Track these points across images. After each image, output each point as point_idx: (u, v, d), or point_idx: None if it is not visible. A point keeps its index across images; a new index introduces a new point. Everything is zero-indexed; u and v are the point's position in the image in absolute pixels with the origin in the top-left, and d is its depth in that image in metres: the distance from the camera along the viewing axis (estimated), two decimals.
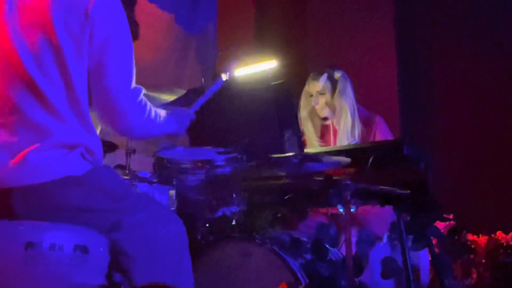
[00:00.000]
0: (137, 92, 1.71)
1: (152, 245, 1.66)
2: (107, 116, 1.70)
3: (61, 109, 1.61)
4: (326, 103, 3.14)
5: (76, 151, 1.61)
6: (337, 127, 3.13)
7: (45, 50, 1.61)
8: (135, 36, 1.93)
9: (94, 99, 1.68)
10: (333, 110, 3.14)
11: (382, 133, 3.08)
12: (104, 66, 1.65)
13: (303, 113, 3.20)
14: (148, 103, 1.75)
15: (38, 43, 1.61)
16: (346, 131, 3.07)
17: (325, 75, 3.15)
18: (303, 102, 3.21)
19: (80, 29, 1.62)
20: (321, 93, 3.14)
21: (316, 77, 3.16)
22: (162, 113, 1.83)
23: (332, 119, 3.17)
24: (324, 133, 3.21)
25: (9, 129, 1.60)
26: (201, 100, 2.13)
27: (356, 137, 3.07)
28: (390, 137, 3.10)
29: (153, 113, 1.76)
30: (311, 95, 3.17)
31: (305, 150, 2.62)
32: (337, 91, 3.12)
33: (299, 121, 3.12)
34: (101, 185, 1.64)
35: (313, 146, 3.11)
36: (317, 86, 3.14)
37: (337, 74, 3.17)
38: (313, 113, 3.19)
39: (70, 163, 1.59)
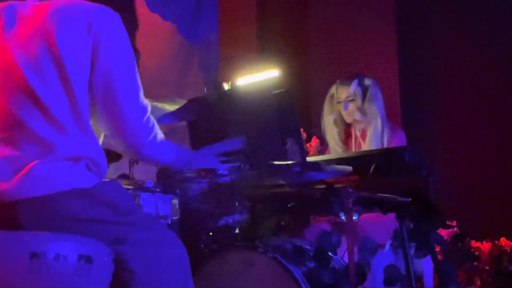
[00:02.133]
0: (145, 109, 1.72)
1: (155, 264, 1.64)
2: (117, 133, 1.71)
3: (64, 121, 1.60)
4: (357, 108, 3.17)
5: (81, 163, 1.60)
6: (367, 132, 3.15)
7: (46, 62, 1.60)
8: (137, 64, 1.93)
9: (102, 115, 1.68)
10: (364, 115, 3.16)
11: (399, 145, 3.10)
12: (112, 82, 1.65)
13: (327, 118, 3.22)
14: (155, 125, 1.76)
15: (39, 55, 1.60)
16: (376, 136, 3.10)
17: (356, 81, 3.18)
18: (327, 108, 3.24)
19: (81, 41, 1.62)
20: (351, 99, 3.17)
21: (346, 83, 3.19)
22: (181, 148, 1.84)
23: (359, 125, 3.20)
24: (346, 139, 3.24)
25: (12, 143, 1.59)
26: (220, 147, 2.11)
27: (385, 143, 3.10)
28: None
29: (159, 137, 1.77)
30: (339, 101, 3.18)
31: (308, 158, 2.63)
32: (368, 97, 3.16)
33: (323, 128, 3.14)
34: (106, 198, 1.64)
35: (336, 151, 3.14)
36: (347, 91, 3.17)
37: (368, 81, 3.21)
38: (338, 118, 3.21)
39: (75, 175, 1.59)
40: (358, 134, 3.21)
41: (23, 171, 1.55)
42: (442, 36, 4.80)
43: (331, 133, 3.20)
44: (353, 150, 3.19)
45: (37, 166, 1.56)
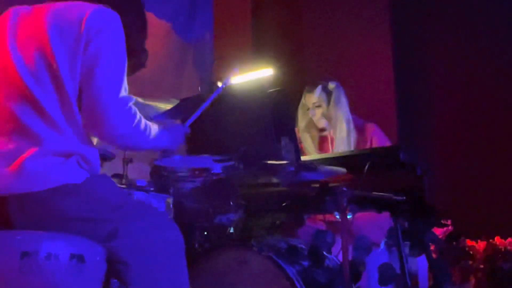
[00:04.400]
0: (125, 100, 1.69)
1: (149, 253, 1.66)
2: (92, 122, 1.68)
3: (57, 118, 1.63)
4: (323, 114, 3.21)
5: (72, 159, 1.62)
6: (333, 137, 3.18)
7: (39, 62, 1.65)
8: (143, 64, 1.92)
9: (82, 105, 1.68)
10: (329, 120, 3.21)
11: (379, 140, 3.13)
12: (94, 73, 1.65)
13: (301, 125, 3.26)
14: (139, 114, 1.72)
15: (33, 55, 1.65)
16: (342, 139, 3.14)
17: (320, 86, 3.24)
18: (300, 115, 3.27)
19: (75, 40, 1.64)
20: (317, 105, 3.22)
21: (311, 90, 3.25)
22: (155, 126, 1.80)
23: (329, 129, 3.22)
24: (322, 144, 3.27)
25: (5, 136, 1.63)
26: (197, 113, 2.12)
27: (352, 145, 3.13)
28: (387, 143, 3.14)
29: (142, 125, 1.72)
30: (308, 108, 3.23)
31: (303, 157, 2.63)
32: (331, 101, 3.20)
33: (297, 132, 3.16)
34: (97, 194, 1.64)
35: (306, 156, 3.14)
36: (313, 98, 3.23)
37: (331, 85, 3.25)
38: (310, 125, 3.27)
39: (67, 171, 1.60)
40: (332, 138, 3.23)
41: (15, 165, 1.57)
42: (437, 35, 4.81)
43: (305, 140, 3.23)
44: None
45: (28, 160, 1.57)
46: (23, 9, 1.76)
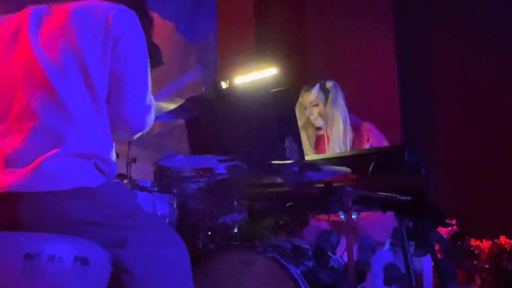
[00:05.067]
0: (149, 108, 1.74)
1: (155, 266, 1.64)
2: (115, 125, 1.71)
3: (80, 118, 1.61)
4: (320, 113, 3.23)
5: (91, 162, 1.61)
6: (329, 136, 3.19)
7: (68, 60, 1.64)
8: (160, 60, 1.96)
9: (108, 109, 1.70)
10: (326, 119, 3.23)
11: (375, 139, 3.15)
12: (123, 78, 1.67)
13: (298, 124, 3.26)
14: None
15: (61, 53, 1.64)
16: (338, 138, 3.16)
17: (317, 85, 3.27)
18: (297, 114, 3.27)
19: (102, 38, 1.65)
20: (314, 104, 3.25)
21: (309, 89, 3.27)
22: None
23: (325, 128, 3.23)
24: (318, 143, 3.29)
25: (25, 135, 1.60)
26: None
27: (348, 144, 3.14)
28: (384, 141, 3.15)
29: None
30: (305, 107, 3.25)
31: (306, 157, 2.62)
32: (329, 100, 3.23)
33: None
34: (110, 200, 1.63)
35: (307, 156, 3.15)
36: (310, 97, 3.25)
37: (329, 84, 3.28)
38: (307, 124, 3.28)
39: (84, 173, 1.59)
40: (328, 138, 3.24)
41: (33, 164, 1.55)
42: (441, 35, 4.80)
43: (302, 139, 3.24)
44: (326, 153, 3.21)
45: (47, 160, 1.56)
46: (44, 9, 1.75)
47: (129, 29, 1.70)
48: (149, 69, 1.74)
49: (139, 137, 1.91)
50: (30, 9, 1.75)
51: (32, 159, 1.56)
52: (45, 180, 1.54)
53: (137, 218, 1.68)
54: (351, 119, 3.25)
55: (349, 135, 3.18)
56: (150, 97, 1.75)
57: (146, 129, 1.78)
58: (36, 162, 1.55)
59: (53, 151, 1.56)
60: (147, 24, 1.87)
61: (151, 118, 1.77)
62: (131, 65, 1.69)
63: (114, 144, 1.73)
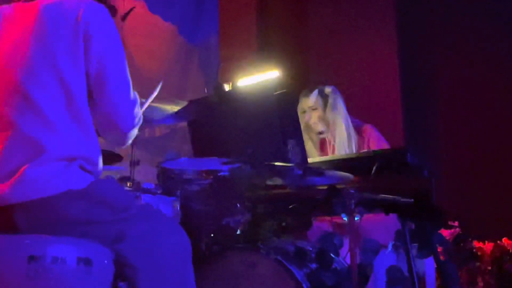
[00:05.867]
0: (135, 101, 1.72)
1: (156, 256, 1.65)
2: (106, 126, 1.71)
3: (59, 121, 1.58)
4: (319, 118, 3.24)
5: (74, 164, 1.58)
6: (331, 140, 3.20)
7: (40, 61, 1.59)
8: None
9: (96, 110, 1.67)
10: (326, 124, 3.23)
11: (375, 141, 3.16)
12: (105, 76, 1.64)
13: None
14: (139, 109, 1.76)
15: (32, 55, 1.60)
16: (343, 143, 3.17)
17: (316, 90, 3.28)
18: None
19: (73, 36, 1.61)
20: (313, 109, 3.25)
21: (308, 94, 3.28)
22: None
23: (327, 133, 3.23)
24: (323, 146, 3.28)
25: (4, 145, 1.56)
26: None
27: (353, 148, 3.14)
28: (384, 143, 3.16)
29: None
30: (304, 111, 3.25)
31: (309, 160, 2.63)
32: (328, 105, 3.24)
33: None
34: (102, 197, 1.62)
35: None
36: (309, 102, 3.26)
37: (328, 89, 3.29)
38: (308, 128, 3.28)
39: (69, 176, 1.57)
40: (330, 141, 3.24)
41: (17, 175, 1.53)
42: (442, 37, 4.80)
43: (305, 143, 3.24)
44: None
45: (30, 168, 1.53)
46: (4, 8, 1.69)
47: (101, 24, 1.66)
48: (126, 63, 1.70)
49: (141, 139, 1.90)
50: None
51: (14, 169, 1.53)
52: (32, 188, 1.52)
53: (131, 211, 1.67)
54: (352, 122, 3.25)
55: (354, 139, 3.18)
56: (133, 92, 1.71)
57: (137, 126, 1.75)
58: (19, 172, 1.52)
59: (35, 159, 1.54)
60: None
61: (138, 113, 1.74)
62: (109, 62, 1.65)
63: (100, 143, 1.70)
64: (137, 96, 1.75)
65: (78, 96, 1.62)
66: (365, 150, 3.10)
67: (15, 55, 1.61)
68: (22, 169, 1.53)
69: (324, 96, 3.25)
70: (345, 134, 3.17)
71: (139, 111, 1.75)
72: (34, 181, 1.53)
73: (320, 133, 3.28)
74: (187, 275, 1.73)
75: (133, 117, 1.71)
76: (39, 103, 1.58)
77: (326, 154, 3.24)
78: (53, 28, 1.61)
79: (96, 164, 1.65)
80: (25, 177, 1.53)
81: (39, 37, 1.61)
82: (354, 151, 3.15)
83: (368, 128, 3.23)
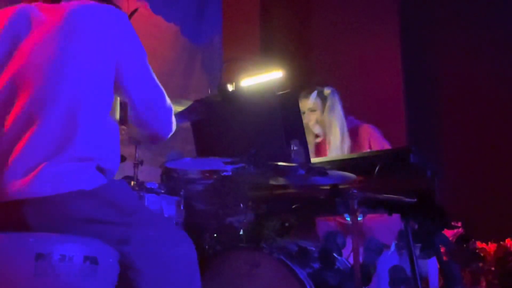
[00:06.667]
0: (171, 110, 1.80)
1: (161, 262, 1.65)
2: (145, 124, 1.77)
3: (83, 121, 1.60)
4: (317, 120, 3.24)
5: (91, 164, 1.60)
6: (327, 141, 3.19)
7: (68, 61, 1.62)
8: None
9: (133, 110, 1.74)
10: (323, 126, 3.24)
11: (376, 141, 3.14)
12: (136, 77, 1.72)
13: None
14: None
15: (60, 55, 1.62)
16: (335, 145, 3.15)
17: (315, 92, 3.28)
18: None
19: (100, 38, 1.66)
20: (312, 110, 3.26)
21: (307, 95, 3.28)
22: None
23: (323, 135, 3.23)
24: (319, 149, 3.28)
25: (27, 141, 1.58)
26: None
27: (345, 151, 3.14)
28: (385, 144, 3.15)
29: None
30: (303, 113, 3.24)
31: (313, 160, 2.63)
32: (326, 107, 3.23)
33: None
34: (112, 199, 1.64)
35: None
36: (308, 103, 3.26)
37: (327, 91, 3.29)
38: (306, 129, 3.26)
39: (83, 177, 1.58)
40: (325, 143, 3.25)
41: (35, 171, 1.55)
42: (446, 37, 4.80)
43: None
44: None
45: (47, 166, 1.55)
46: (30, 9, 1.71)
47: (126, 28, 1.72)
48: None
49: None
50: (16, 12, 1.71)
51: (33, 166, 1.55)
52: (46, 185, 1.54)
53: (139, 215, 1.68)
54: (350, 122, 3.24)
55: (347, 142, 3.18)
56: (168, 99, 1.79)
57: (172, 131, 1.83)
58: (38, 169, 1.54)
59: (54, 157, 1.56)
60: None
61: (174, 119, 1.82)
62: (140, 64, 1.73)
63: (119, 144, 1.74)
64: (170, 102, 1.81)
65: (103, 98, 1.66)
66: (368, 151, 3.10)
67: (43, 53, 1.64)
68: (40, 166, 1.55)
69: (322, 98, 3.25)
70: (339, 137, 3.18)
71: (174, 118, 1.82)
72: (50, 179, 1.55)
73: (317, 135, 3.28)
74: (192, 286, 1.72)
75: (171, 123, 1.79)
76: (64, 102, 1.60)
77: (323, 155, 3.24)
78: (82, 29, 1.65)
79: (113, 165, 1.67)
80: (41, 174, 1.55)
81: (68, 37, 1.64)
82: (346, 152, 3.14)
83: (367, 128, 3.21)
